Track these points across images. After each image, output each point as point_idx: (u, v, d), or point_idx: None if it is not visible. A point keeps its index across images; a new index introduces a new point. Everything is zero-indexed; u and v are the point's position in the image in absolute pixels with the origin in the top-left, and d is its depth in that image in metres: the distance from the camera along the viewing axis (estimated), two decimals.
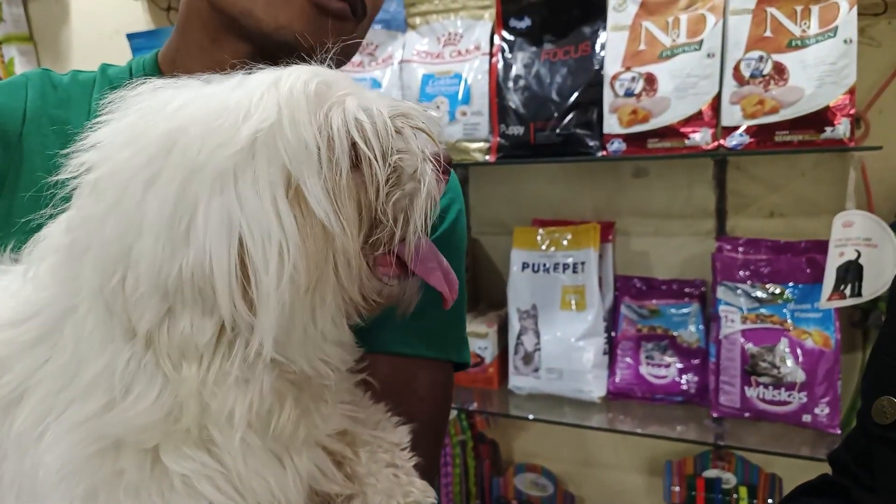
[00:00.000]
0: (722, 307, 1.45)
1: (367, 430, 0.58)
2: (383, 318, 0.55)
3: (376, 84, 1.64)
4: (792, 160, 1.50)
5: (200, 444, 0.45)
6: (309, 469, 0.50)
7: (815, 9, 1.26)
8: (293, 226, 0.44)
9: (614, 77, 1.41)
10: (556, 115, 1.46)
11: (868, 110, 1.40)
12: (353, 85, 0.50)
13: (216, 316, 0.43)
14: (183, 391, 0.43)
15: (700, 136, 1.35)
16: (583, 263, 1.56)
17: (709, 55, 1.34)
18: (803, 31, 1.27)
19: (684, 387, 1.51)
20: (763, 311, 1.42)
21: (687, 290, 1.61)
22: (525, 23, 1.54)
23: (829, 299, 1.29)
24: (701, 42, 1.35)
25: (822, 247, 1.35)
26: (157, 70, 0.76)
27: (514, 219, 1.74)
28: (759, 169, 1.54)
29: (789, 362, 1.36)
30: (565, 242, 1.60)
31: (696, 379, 1.51)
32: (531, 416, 1.56)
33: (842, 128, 1.23)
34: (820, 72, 1.24)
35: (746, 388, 1.39)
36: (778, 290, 1.42)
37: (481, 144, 1.56)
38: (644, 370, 1.54)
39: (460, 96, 1.56)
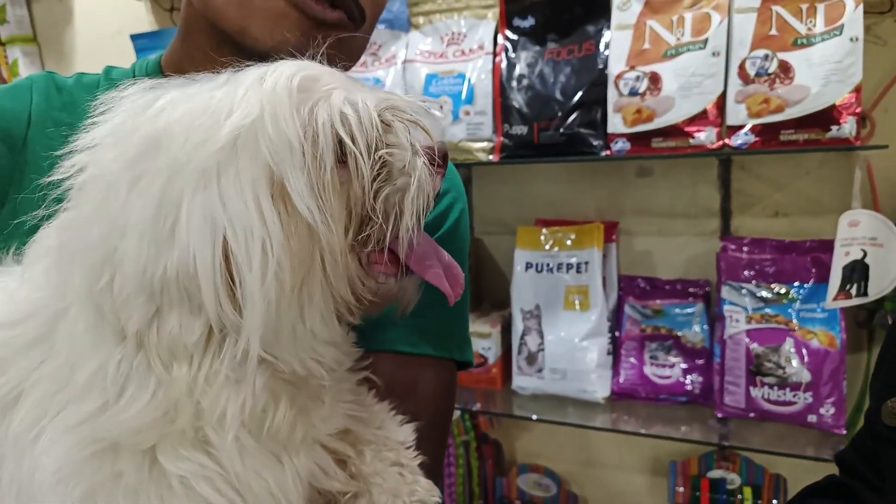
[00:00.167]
0: (726, 307, 1.44)
1: (371, 428, 0.58)
2: (386, 317, 0.54)
3: (379, 84, 1.64)
4: (797, 159, 1.49)
5: (197, 444, 0.45)
6: (309, 468, 0.50)
7: (820, 7, 1.26)
8: (276, 223, 0.43)
9: (618, 76, 1.40)
10: (559, 114, 1.45)
11: (874, 109, 1.39)
12: (341, 79, 0.49)
13: (204, 315, 0.43)
14: (174, 392, 0.43)
15: (705, 136, 1.34)
16: (586, 263, 1.56)
17: (714, 54, 1.33)
18: (809, 29, 1.26)
19: (688, 387, 1.50)
20: (768, 310, 1.41)
21: (691, 289, 1.60)
22: (528, 22, 1.53)
23: (835, 299, 1.28)
24: (706, 41, 1.34)
25: (827, 246, 1.34)
26: (160, 73, 0.75)
27: (517, 219, 1.74)
28: (764, 168, 1.53)
29: (794, 362, 1.35)
30: (569, 242, 1.59)
31: (700, 379, 1.50)
32: (535, 417, 1.55)
33: (847, 126, 1.22)
34: (826, 70, 1.23)
35: (751, 388, 1.38)
36: (783, 290, 1.42)
37: (485, 144, 1.55)
38: (648, 370, 1.54)
39: (464, 96, 1.55)
